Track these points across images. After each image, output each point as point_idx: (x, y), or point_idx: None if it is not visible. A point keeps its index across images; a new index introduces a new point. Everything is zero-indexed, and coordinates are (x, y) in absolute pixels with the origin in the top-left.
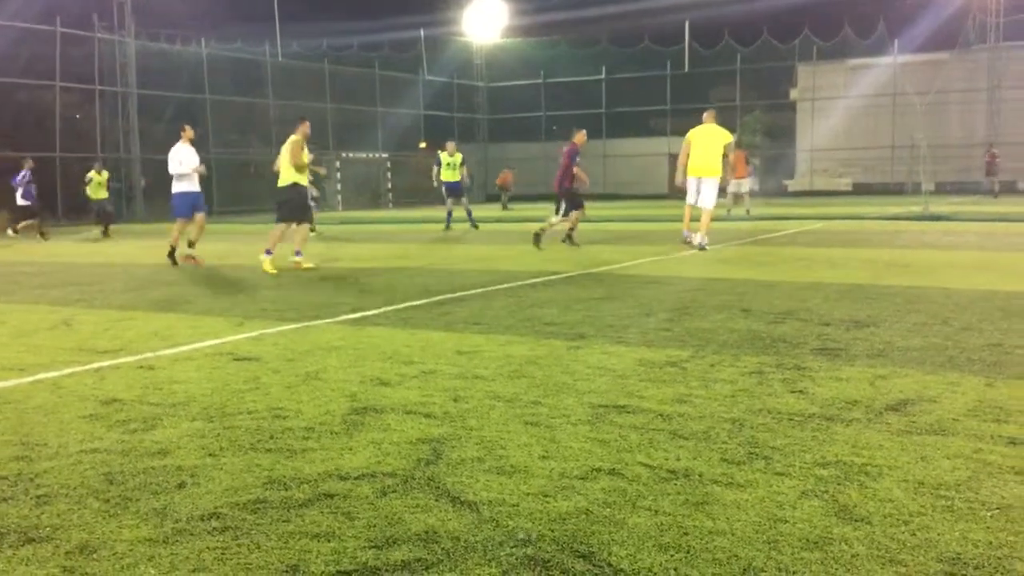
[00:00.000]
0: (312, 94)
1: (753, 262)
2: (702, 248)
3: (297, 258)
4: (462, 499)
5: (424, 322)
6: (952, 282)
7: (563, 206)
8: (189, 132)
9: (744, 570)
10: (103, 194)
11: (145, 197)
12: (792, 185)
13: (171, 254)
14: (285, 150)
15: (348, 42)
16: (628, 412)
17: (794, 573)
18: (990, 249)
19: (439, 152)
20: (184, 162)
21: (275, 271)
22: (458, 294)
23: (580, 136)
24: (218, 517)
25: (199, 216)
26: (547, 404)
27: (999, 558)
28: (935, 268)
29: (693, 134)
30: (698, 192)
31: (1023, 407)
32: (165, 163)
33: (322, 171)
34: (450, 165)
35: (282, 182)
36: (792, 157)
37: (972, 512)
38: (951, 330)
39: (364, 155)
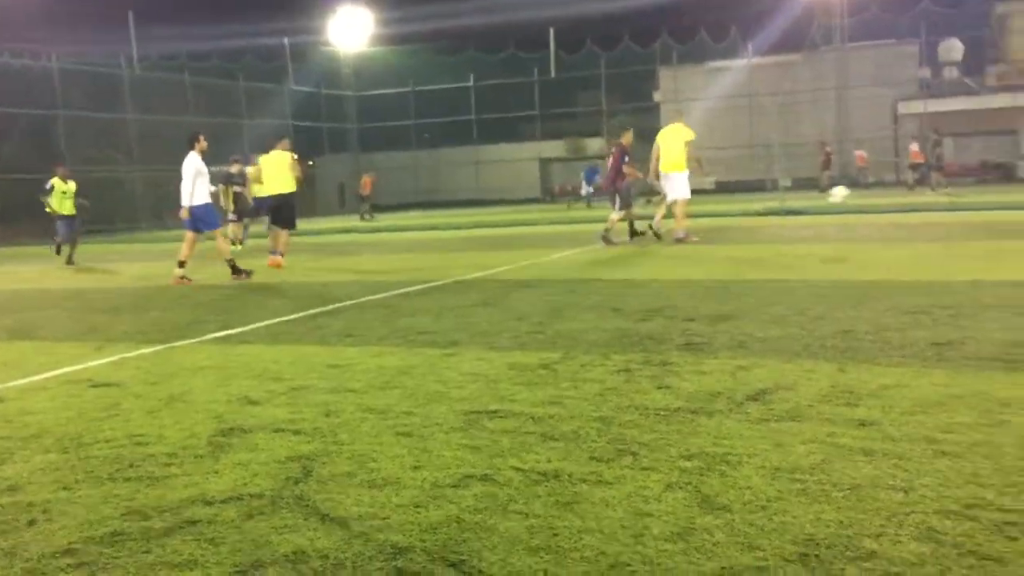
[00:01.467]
0: (173, 106)
1: (624, 262)
2: (680, 240)
3: (277, 257)
4: (332, 516)
5: (295, 337)
6: (808, 274)
7: (618, 201)
8: (203, 143)
9: (611, 566)
10: (69, 208)
11: None
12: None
13: (181, 264)
14: (281, 163)
15: (208, 48)
16: (500, 417)
17: (659, 565)
18: (843, 241)
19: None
20: (204, 172)
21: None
22: (330, 307)
23: (627, 136)
24: (72, 553)
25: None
26: (419, 414)
27: (849, 536)
28: (793, 261)
29: (660, 136)
30: (669, 187)
31: (872, 390)
32: (18, 183)
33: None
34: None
35: (278, 190)
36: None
37: (825, 494)
38: (806, 320)
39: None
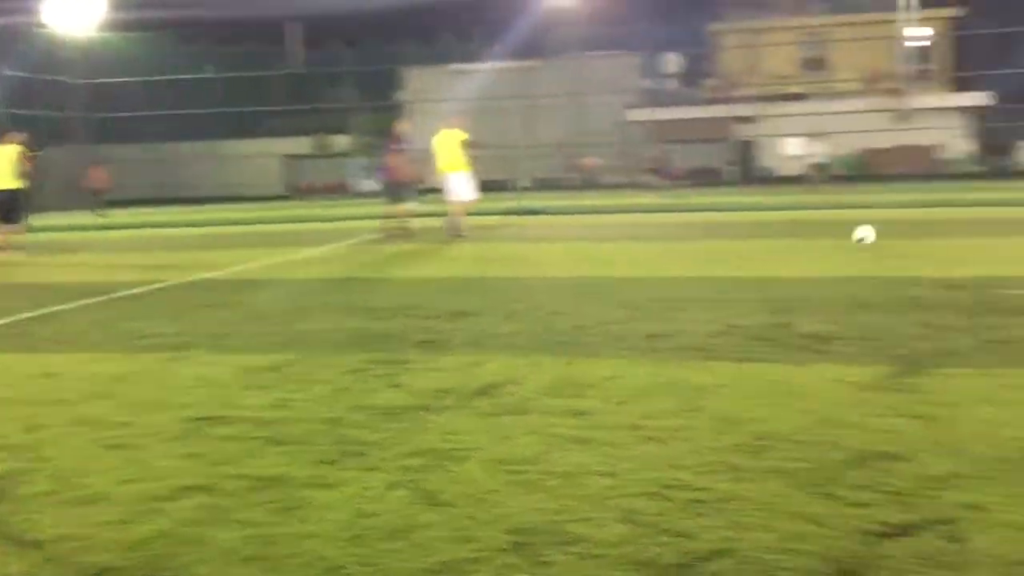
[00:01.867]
0: None
1: (371, 261)
2: (456, 236)
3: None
4: (27, 539)
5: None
6: (545, 271)
7: (398, 193)
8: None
9: (328, 570)
10: None
11: None
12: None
13: None
14: (6, 157)
15: None
16: (225, 423)
17: (376, 565)
18: (578, 239)
19: None
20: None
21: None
22: (44, 310)
23: (400, 126)
24: None
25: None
26: (136, 424)
27: (560, 522)
28: (533, 259)
29: (435, 140)
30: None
31: (593, 382)
32: None
33: None
34: None
35: (2, 186)
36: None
37: (541, 483)
38: (542, 315)
39: None
